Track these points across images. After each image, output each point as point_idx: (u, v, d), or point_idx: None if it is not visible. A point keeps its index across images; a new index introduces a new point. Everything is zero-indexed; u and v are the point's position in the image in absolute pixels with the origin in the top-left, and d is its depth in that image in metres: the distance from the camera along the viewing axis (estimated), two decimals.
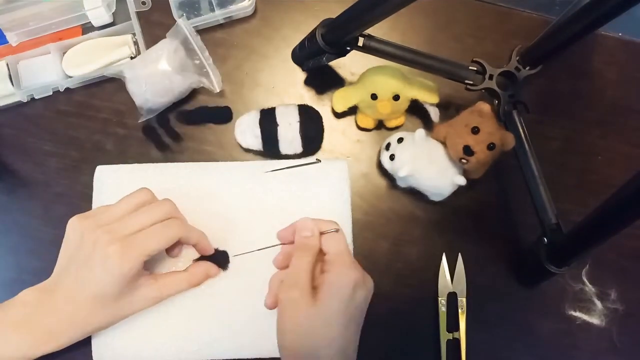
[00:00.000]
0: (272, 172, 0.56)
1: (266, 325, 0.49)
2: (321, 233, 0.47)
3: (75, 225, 0.49)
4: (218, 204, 0.56)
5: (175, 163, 0.58)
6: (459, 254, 0.57)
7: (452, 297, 0.56)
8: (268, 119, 0.57)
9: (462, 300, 0.56)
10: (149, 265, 0.52)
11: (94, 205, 0.56)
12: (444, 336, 0.55)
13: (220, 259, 0.54)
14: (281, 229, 0.49)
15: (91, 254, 0.46)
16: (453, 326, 0.55)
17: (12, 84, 0.59)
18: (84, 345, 0.51)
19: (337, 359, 0.43)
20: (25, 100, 0.59)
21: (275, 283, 0.48)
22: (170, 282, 0.51)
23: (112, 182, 0.56)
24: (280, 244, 0.50)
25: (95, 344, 0.52)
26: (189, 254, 0.54)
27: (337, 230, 0.47)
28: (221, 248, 0.54)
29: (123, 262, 0.45)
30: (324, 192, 0.56)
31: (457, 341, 0.54)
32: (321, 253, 0.47)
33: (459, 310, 0.55)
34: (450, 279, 0.56)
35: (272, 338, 0.45)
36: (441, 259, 0.57)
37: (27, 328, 0.48)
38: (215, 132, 0.60)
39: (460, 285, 0.56)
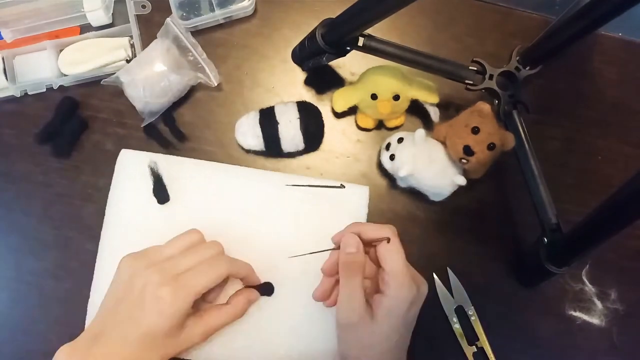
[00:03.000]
0: (291, 187, 0.55)
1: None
2: (372, 243, 0.47)
3: (125, 266, 0.48)
4: (234, 210, 0.56)
5: (199, 160, 0.58)
6: (447, 268, 0.57)
7: (460, 310, 0.55)
8: (268, 118, 0.57)
9: (471, 310, 0.55)
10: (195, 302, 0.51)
11: (113, 188, 0.56)
12: (469, 350, 0.54)
13: (265, 290, 0.54)
14: (336, 233, 0.49)
15: (142, 295, 0.45)
16: (472, 338, 0.55)
17: (7, 79, 0.59)
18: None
19: None
20: (18, 95, 0.59)
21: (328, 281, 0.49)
22: (215, 317, 0.50)
23: (133, 167, 0.56)
24: (332, 249, 0.49)
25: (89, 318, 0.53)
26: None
27: (388, 240, 0.46)
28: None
29: (175, 302, 0.45)
30: (340, 217, 0.54)
31: (482, 350, 0.54)
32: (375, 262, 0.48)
33: (471, 319, 0.55)
34: (450, 293, 0.56)
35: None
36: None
37: None
38: (215, 132, 0.60)
39: (462, 296, 0.56)
